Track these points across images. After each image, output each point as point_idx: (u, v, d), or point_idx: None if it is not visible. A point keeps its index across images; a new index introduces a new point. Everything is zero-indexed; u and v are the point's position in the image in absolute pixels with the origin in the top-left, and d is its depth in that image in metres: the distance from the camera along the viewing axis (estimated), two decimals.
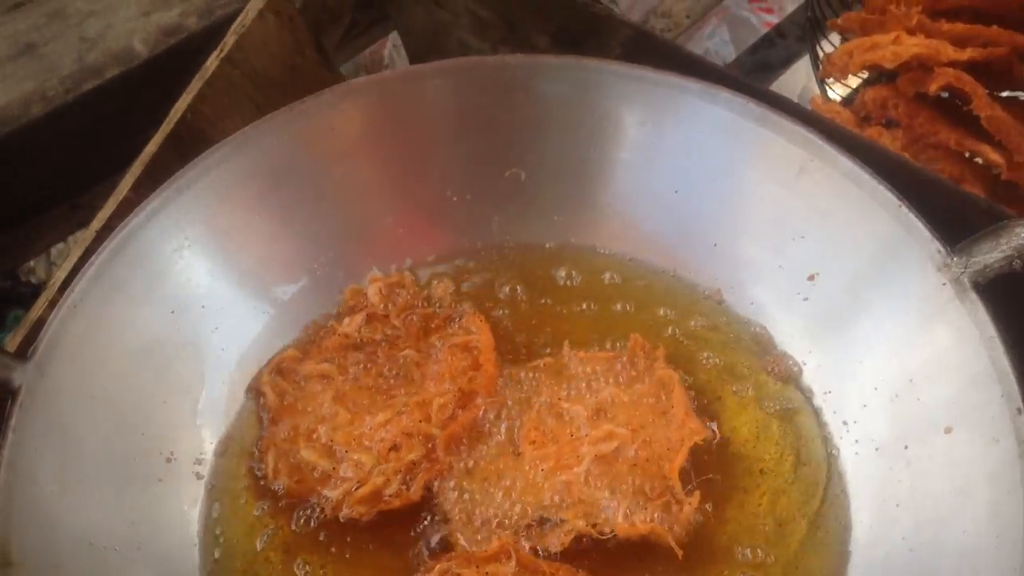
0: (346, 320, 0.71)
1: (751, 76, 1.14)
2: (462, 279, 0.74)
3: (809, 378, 0.67)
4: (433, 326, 0.71)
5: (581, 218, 0.75)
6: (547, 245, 0.76)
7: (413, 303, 0.72)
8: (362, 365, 0.69)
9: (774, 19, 1.26)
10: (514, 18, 0.82)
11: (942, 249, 0.60)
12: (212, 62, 0.75)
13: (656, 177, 0.73)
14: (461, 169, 0.75)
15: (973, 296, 0.58)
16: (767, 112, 0.68)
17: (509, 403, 0.66)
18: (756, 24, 1.44)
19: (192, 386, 0.67)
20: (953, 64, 0.69)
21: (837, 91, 0.88)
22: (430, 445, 0.63)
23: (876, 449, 0.62)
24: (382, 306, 0.72)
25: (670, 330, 0.71)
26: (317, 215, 0.71)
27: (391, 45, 1.23)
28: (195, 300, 0.67)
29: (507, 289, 0.74)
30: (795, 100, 0.85)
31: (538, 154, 0.74)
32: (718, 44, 1.56)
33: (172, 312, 0.66)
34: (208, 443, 0.66)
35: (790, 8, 1.14)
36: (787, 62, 1.05)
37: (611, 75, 0.71)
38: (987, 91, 0.79)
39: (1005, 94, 0.80)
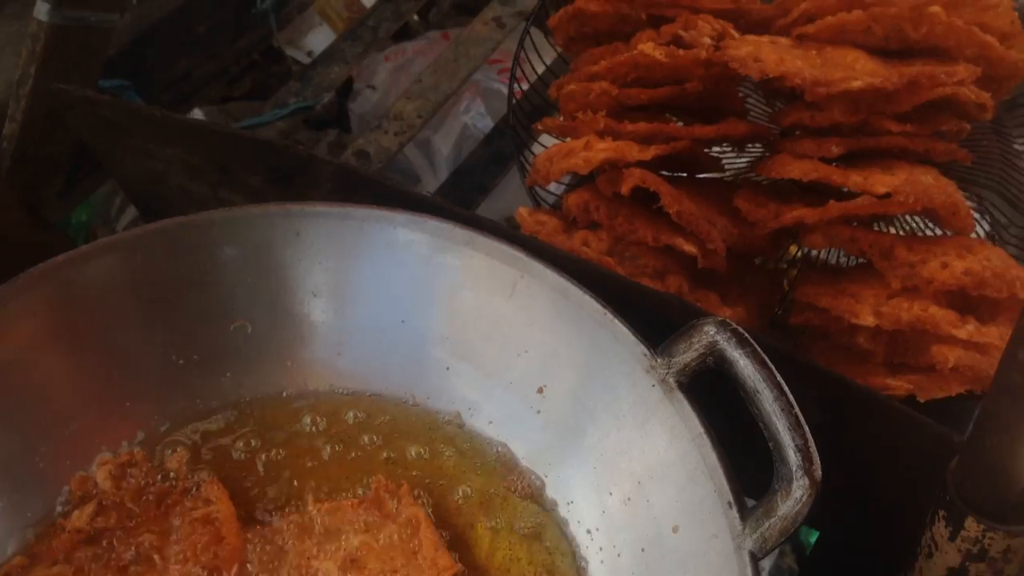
0: (75, 513, 0.67)
1: (487, 167, 1.17)
2: (199, 444, 0.71)
3: (552, 491, 0.68)
4: (170, 502, 0.68)
5: (315, 361, 0.74)
6: (285, 394, 0.74)
7: (147, 481, 0.69)
8: (99, 560, 0.65)
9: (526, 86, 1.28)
10: (225, 163, 0.81)
11: (647, 352, 0.63)
12: None
13: (380, 310, 0.73)
14: (183, 330, 0.72)
15: (679, 395, 0.61)
16: (474, 235, 0.69)
17: (257, 572, 0.64)
18: (516, 87, 1.49)
19: None
20: (641, 163, 0.73)
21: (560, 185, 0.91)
22: None
23: (619, 555, 0.63)
24: (114, 490, 0.68)
25: (416, 462, 0.71)
26: (23, 409, 0.66)
27: None
28: None
29: (248, 447, 0.71)
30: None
31: (261, 303, 0.73)
32: (475, 118, 1.60)
33: None
34: None
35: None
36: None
37: (317, 217, 0.71)
38: (687, 174, 0.85)
39: (702, 176, 0.85)
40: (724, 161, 0.90)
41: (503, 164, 1.15)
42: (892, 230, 0.88)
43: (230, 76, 1.23)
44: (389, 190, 0.72)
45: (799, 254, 0.88)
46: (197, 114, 1.78)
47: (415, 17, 2.60)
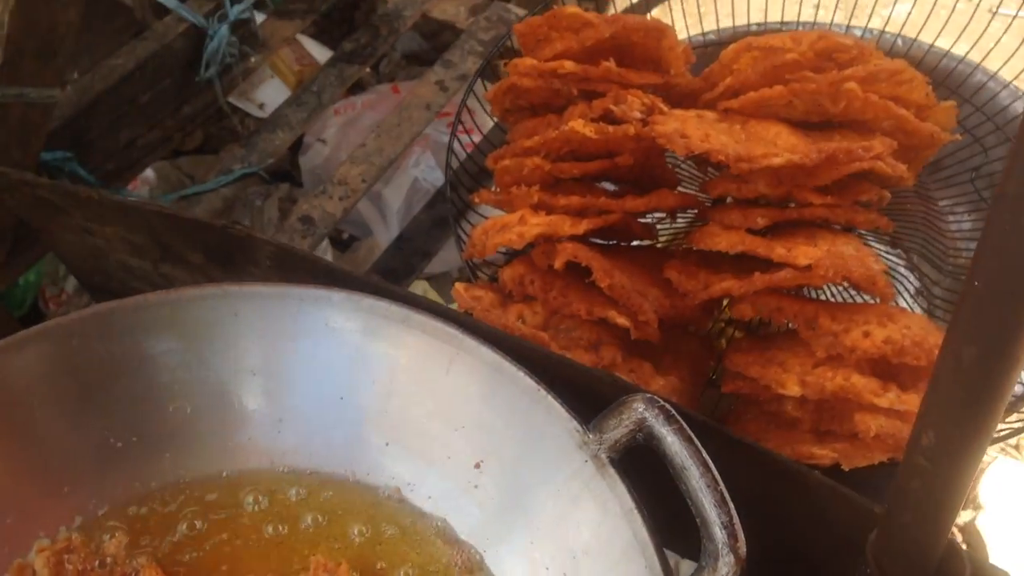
0: None
1: (430, 231, 1.19)
2: (138, 528, 0.71)
3: (492, 565, 0.69)
4: None
5: (254, 439, 0.74)
6: (225, 473, 0.74)
7: (85, 567, 0.68)
8: None
9: (476, 138, 1.29)
10: (164, 241, 0.81)
11: (579, 428, 0.64)
12: None
13: (318, 388, 0.73)
14: (121, 413, 0.72)
15: (611, 471, 0.62)
16: (409, 313, 0.70)
17: None
18: (458, 148, 1.51)
19: None
20: (574, 237, 0.75)
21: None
22: None
23: None
24: None
25: (357, 539, 0.71)
26: None
27: None
28: None
29: (189, 528, 0.71)
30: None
31: (200, 384, 0.73)
32: (425, 171, 1.63)
33: None
34: None
35: (490, 124, 1.15)
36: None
37: (254, 297, 0.72)
38: (623, 242, 0.87)
39: (637, 244, 0.87)
40: (660, 227, 0.93)
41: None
42: (825, 292, 0.91)
43: (174, 144, 1.23)
44: (326, 268, 0.73)
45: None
46: (148, 173, 1.78)
47: (366, 69, 2.62)
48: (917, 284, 1.01)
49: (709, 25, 1.10)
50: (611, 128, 0.77)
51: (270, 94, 1.93)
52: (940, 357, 0.43)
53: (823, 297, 0.91)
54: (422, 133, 1.28)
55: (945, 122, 0.83)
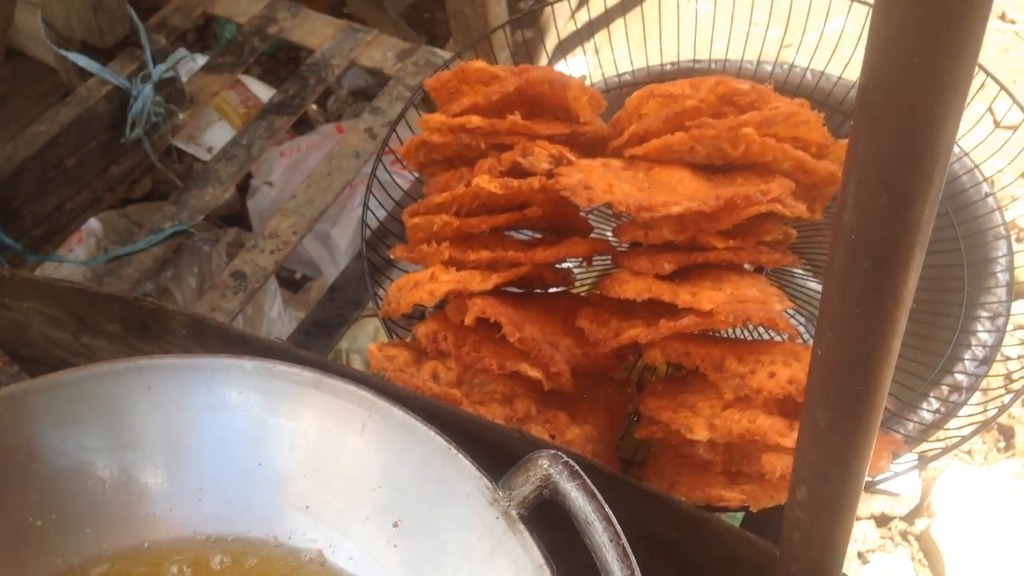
0: None
1: (361, 280, 1.19)
2: None
3: None
4: None
5: (175, 509, 0.74)
6: (147, 544, 0.74)
7: None
8: None
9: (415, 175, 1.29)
10: (81, 314, 0.82)
11: (490, 485, 0.65)
12: None
13: (236, 455, 0.74)
14: (39, 491, 0.72)
15: (521, 527, 0.63)
16: (322, 377, 0.71)
17: None
18: (401, 183, 1.52)
19: None
20: (484, 291, 0.76)
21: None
22: None
23: None
24: None
25: None
26: None
27: None
28: None
29: None
30: None
31: (117, 457, 0.74)
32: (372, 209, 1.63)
33: None
34: None
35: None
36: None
37: (167, 370, 0.72)
38: (539, 289, 0.88)
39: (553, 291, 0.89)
40: (590, 270, 0.94)
41: None
42: (743, 329, 0.92)
43: (104, 205, 1.23)
44: (239, 337, 0.74)
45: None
46: (93, 225, 1.77)
47: (313, 106, 2.64)
48: None
49: (654, 52, 1.11)
50: (516, 182, 0.79)
51: (218, 136, 1.94)
52: (802, 418, 0.45)
53: (746, 333, 0.93)
54: (365, 171, 1.29)
55: (844, 159, 0.85)
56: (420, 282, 0.77)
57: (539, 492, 0.63)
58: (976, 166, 0.95)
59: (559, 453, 0.62)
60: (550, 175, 0.80)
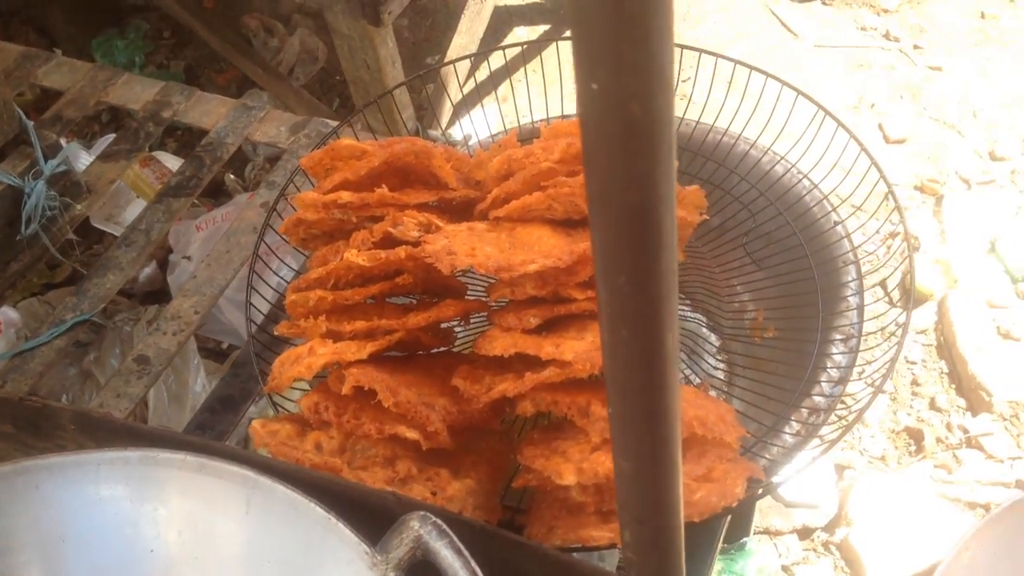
0: None
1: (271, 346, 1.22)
2: None
3: None
4: None
5: None
6: None
7: None
8: None
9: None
10: None
11: (368, 550, 0.68)
12: None
13: (127, 545, 0.76)
14: None
15: None
16: (204, 461, 0.74)
17: None
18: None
19: None
20: (361, 361, 0.79)
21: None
22: None
23: None
24: None
25: None
26: None
27: None
28: None
29: None
30: None
31: (7, 557, 0.75)
32: (288, 275, 1.66)
33: None
34: None
35: None
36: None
37: (52, 468, 0.74)
38: (421, 351, 0.91)
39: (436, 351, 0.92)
40: (462, 331, 0.98)
41: None
42: None
43: (9, 301, 1.24)
44: (124, 428, 0.76)
45: None
46: (11, 315, 1.77)
47: (231, 176, 2.66)
48: (706, 320, 1.08)
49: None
50: (383, 253, 0.82)
51: (136, 213, 1.95)
52: (614, 467, 0.49)
53: None
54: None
55: (697, 203, 0.90)
56: (300, 356, 0.81)
57: (412, 553, 0.66)
58: (825, 197, 1.01)
59: (428, 514, 0.66)
60: (417, 243, 0.84)
